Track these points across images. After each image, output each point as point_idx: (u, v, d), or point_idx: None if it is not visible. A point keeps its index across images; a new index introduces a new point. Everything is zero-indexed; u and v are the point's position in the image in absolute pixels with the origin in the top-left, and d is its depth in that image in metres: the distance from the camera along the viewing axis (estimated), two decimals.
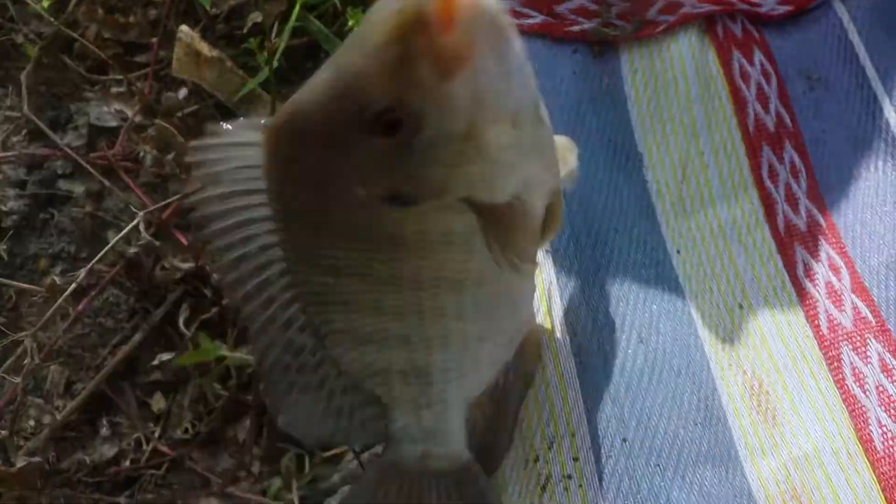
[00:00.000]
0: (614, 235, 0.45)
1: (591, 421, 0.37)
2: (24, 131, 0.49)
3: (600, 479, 0.36)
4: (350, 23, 0.48)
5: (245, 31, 0.50)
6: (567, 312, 0.41)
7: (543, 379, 0.39)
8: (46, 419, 0.46)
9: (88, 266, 0.41)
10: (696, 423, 0.39)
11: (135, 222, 0.42)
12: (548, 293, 0.42)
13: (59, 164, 0.48)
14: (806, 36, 0.51)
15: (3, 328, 0.45)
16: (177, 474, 0.46)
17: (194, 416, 0.47)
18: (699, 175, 0.47)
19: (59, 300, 0.41)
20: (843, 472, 0.38)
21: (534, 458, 0.37)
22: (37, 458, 0.43)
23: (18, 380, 0.43)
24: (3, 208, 0.46)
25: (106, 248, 0.42)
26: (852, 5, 0.51)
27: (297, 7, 0.48)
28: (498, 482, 0.38)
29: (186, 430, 0.47)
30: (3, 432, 0.44)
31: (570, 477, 0.36)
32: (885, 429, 0.38)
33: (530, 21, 0.47)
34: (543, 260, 0.43)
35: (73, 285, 0.41)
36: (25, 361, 0.43)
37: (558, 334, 0.41)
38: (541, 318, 0.41)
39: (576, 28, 0.47)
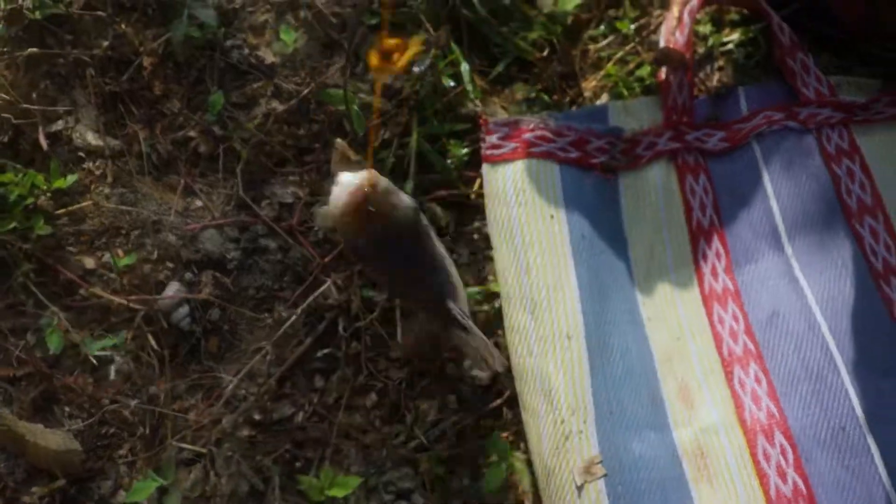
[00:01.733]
0: (609, 288, 0.73)
1: (595, 401, 0.65)
2: (235, 204, 0.76)
3: (596, 434, 0.65)
4: (454, 151, 0.76)
5: (378, 144, 0.78)
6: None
7: (570, 375, 0.68)
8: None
9: (305, 304, 0.69)
10: (648, 405, 0.67)
11: (325, 286, 0.70)
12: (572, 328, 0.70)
13: (259, 228, 0.75)
14: (734, 165, 0.79)
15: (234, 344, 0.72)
16: None
17: None
18: (661, 255, 0.76)
19: (286, 325, 0.69)
20: (727, 437, 0.66)
21: (560, 420, 0.65)
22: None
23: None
24: (228, 256, 0.73)
25: (310, 299, 0.70)
26: (764, 147, 0.80)
27: (415, 134, 0.75)
28: (533, 436, 0.67)
29: None
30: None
31: (581, 432, 0.64)
32: (752, 412, 0.67)
33: (570, 155, 0.75)
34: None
35: (293, 317, 0.69)
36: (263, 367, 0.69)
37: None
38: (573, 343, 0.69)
39: (595, 160, 0.75)
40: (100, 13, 0.70)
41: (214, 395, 0.69)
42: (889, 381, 0.69)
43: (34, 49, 0.68)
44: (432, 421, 0.73)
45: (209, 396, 0.69)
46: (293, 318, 0.71)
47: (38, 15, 0.68)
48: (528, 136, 0.74)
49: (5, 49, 0.68)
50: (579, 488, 0.64)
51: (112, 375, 0.67)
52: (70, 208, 0.69)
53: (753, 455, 0.67)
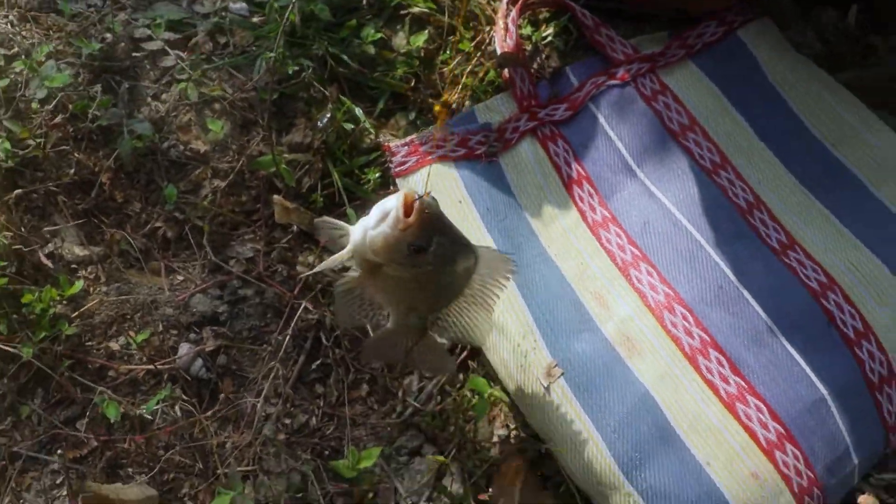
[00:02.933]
0: (519, 242, 0.92)
1: (536, 323, 0.84)
2: (209, 269, 0.91)
3: (546, 347, 0.83)
4: (369, 177, 0.94)
5: (305, 189, 0.95)
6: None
7: (511, 311, 0.86)
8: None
9: (290, 329, 0.85)
10: (575, 314, 0.86)
11: (300, 310, 0.86)
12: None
13: (235, 282, 0.91)
14: (581, 125, 1.01)
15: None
16: None
17: None
18: (548, 207, 0.96)
19: (281, 350, 0.85)
20: (640, 321, 0.87)
21: (516, 346, 0.83)
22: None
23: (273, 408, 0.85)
24: (218, 311, 0.89)
25: (292, 324, 0.86)
26: (598, 105, 1.01)
27: (334, 174, 0.93)
28: (500, 367, 0.85)
29: None
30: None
31: (534, 349, 0.83)
32: (653, 297, 0.87)
33: (459, 153, 0.94)
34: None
35: (285, 340, 0.85)
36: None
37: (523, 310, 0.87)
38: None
39: (478, 152, 0.95)
40: (63, 147, 0.85)
41: (245, 422, 0.84)
42: (740, 242, 0.91)
43: (18, 190, 0.83)
44: (417, 389, 0.90)
45: (238, 424, 0.84)
46: (285, 341, 0.87)
47: (10, 163, 0.82)
48: (423, 148, 0.94)
49: None
50: (546, 389, 0.83)
51: (157, 427, 0.82)
52: (82, 309, 0.83)
53: (664, 327, 0.87)
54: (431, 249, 0.64)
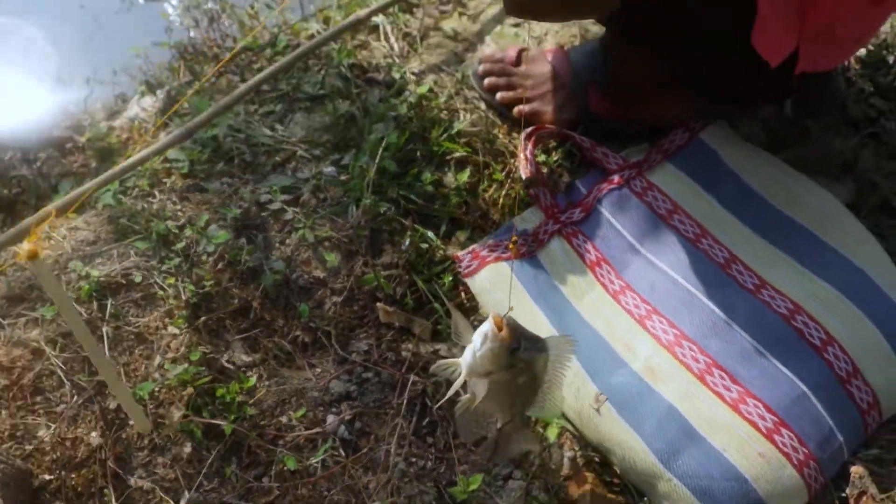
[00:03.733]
0: (563, 313, 1.24)
1: (583, 367, 1.13)
2: (338, 361, 1.23)
3: (592, 381, 1.14)
4: (444, 281, 1.27)
5: (398, 296, 1.28)
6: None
7: None
8: None
9: (405, 398, 1.17)
10: (609, 358, 1.16)
11: (409, 384, 1.18)
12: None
13: (359, 368, 1.23)
14: (592, 222, 1.34)
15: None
16: None
17: None
18: (580, 285, 1.28)
19: (399, 416, 1.16)
20: (658, 356, 1.17)
21: (571, 384, 1.14)
22: None
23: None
24: (350, 390, 1.20)
25: (405, 395, 1.18)
26: (604, 205, 1.35)
27: (419, 282, 1.27)
28: None
29: None
30: None
31: (583, 384, 1.13)
32: (666, 338, 1.18)
33: (507, 253, 1.27)
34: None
35: (402, 405, 1.17)
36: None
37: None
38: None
39: (522, 251, 1.28)
40: (227, 285, 1.19)
41: (381, 467, 1.14)
42: (724, 289, 1.22)
43: (203, 318, 1.17)
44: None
45: (376, 470, 1.14)
46: (402, 406, 1.18)
47: (194, 299, 1.17)
48: (482, 253, 1.28)
49: (185, 327, 1.16)
50: (597, 411, 1.13)
51: (320, 476, 1.12)
52: (255, 397, 1.16)
53: (677, 358, 1.18)
54: (522, 348, 0.85)
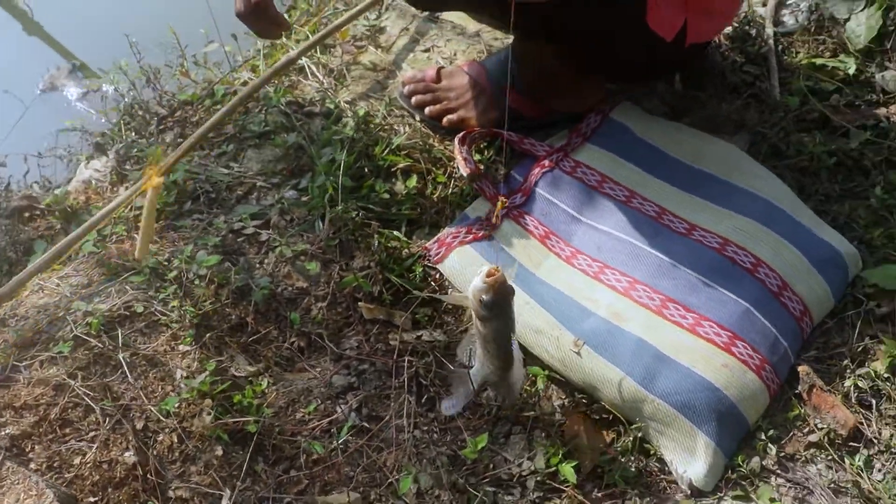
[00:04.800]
0: (526, 281, 1.38)
1: (556, 319, 1.27)
2: (333, 360, 1.32)
3: (568, 331, 1.28)
4: (415, 273, 1.39)
5: (376, 293, 1.39)
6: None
7: (539, 316, 1.30)
8: None
9: (405, 381, 1.28)
10: (577, 309, 1.31)
11: (403, 375, 1.29)
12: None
13: (355, 362, 1.32)
14: (535, 203, 1.49)
15: None
16: None
17: None
18: (535, 256, 1.42)
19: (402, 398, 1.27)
20: (618, 301, 1.32)
21: (551, 336, 1.28)
22: None
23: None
24: (351, 381, 1.29)
25: (403, 376, 1.28)
26: (541, 187, 1.51)
27: (392, 278, 1.38)
28: (544, 353, 1.29)
29: None
30: None
31: (560, 335, 1.27)
32: (620, 284, 1.34)
33: (468, 237, 1.40)
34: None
35: (402, 392, 1.27)
36: None
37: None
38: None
39: (480, 234, 1.41)
40: (220, 304, 1.28)
41: (394, 444, 1.24)
42: (661, 236, 1.39)
43: (207, 335, 1.25)
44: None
45: (391, 447, 1.24)
46: (405, 385, 1.29)
47: (196, 320, 1.25)
48: (447, 241, 1.41)
49: (193, 345, 1.24)
50: (578, 354, 1.27)
51: (340, 459, 1.21)
52: (268, 400, 1.24)
53: (634, 300, 1.34)
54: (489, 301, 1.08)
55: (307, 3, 1.89)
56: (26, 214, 1.51)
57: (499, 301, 1.10)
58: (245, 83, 1.66)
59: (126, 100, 1.66)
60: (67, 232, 1.42)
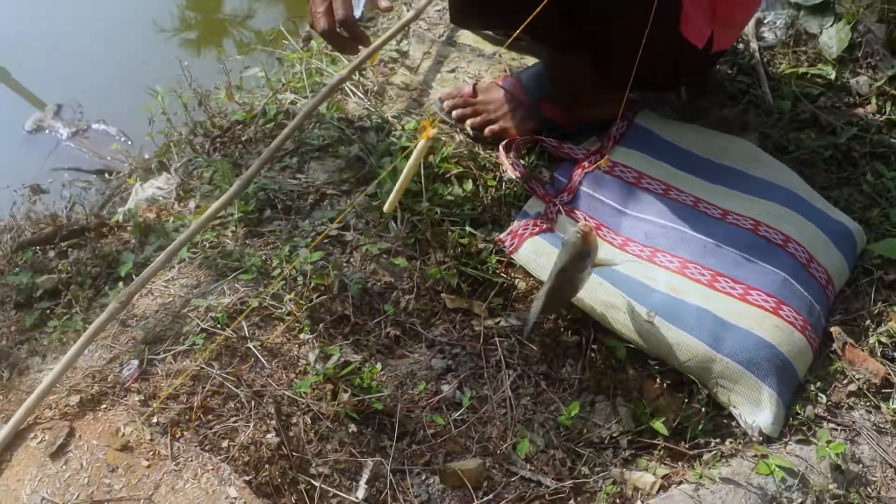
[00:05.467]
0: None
1: (627, 296, 1.44)
2: (428, 345, 1.43)
3: (640, 304, 1.44)
4: (488, 264, 1.52)
5: (455, 285, 1.51)
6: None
7: (613, 294, 1.45)
8: None
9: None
10: (641, 288, 1.45)
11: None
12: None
13: (446, 347, 1.43)
14: (581, 199, 1.65)
15: None
16: None
17: None
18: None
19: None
20: (673, 278, 1.48)
21: (625, 309, 1.42)
22: None
23: None
24: (449, 363, 1.40)
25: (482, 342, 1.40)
26: (586, 185, 1.66)
27: (468, 269, 1.51)
28: (619, 325, 1.43)
29: None
30: None
31: (633, 308, 1.43)
32: (673, 264, 1.50)
33: (535, 230, 1.54)
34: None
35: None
36: None
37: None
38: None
39: (544, 227, 1.56)
40: (322, 298, 1.37)
41: (499, 415, 1.35)
42: (699, 221, 1.57)
43: (321, 325, 1.33)
44: (579, 367, 1.45)
45: (495, 420, 1.35)
46: (500, 365, 1.40)
47: (306, 312, 1.33)
48: (519, 231, 1.54)
49: (311, 335, 1.32)
50: (651, 323, 1.42)
51: (454, 431, 1.31)
52: (381, 381, 1.33)
53: (687, 276, 1.50)
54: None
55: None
56: (90, 234, 1.56)
57: (587, 250, 1.26)
58: (293, 102, 1.76)
59: (169, 122, 1.74)
60: (145, 245, 1.48)
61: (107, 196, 1.78)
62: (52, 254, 1.52)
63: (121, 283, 1.37)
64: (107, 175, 2.03)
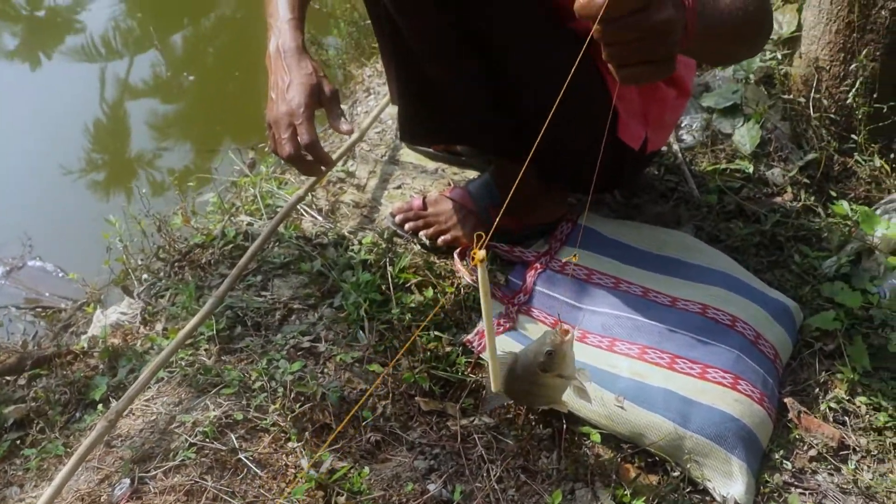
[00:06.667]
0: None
1: (597, 383, 1.50)
2: (408, 448, 1.45)
3: (607, 391, 1.50)
4: (458, 364, 1.57)
5: (427, 388, 1.54)
6: None
7: None
8: None
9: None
10: (608, 376, 1.53)
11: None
12: None
13: (425, 448, 1.44)
14: (538, 298, 1.72)
15: None
16: None
17: None
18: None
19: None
20: (638, 364, 1.56)
21: (595, 397, 1.48)
22: None
23: None
24: (431, 463, 1.42)
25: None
26: (539, 284, 1.75)
27: (439, 371, 1.55)
28: (590, 415, 1.48)
29: None
30: None
31: (602, 394, 1.48)
32: (631, 350, 1.58)
33: (499, 330, 1.60)
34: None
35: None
36: None
37: None
38: None
39: (508, 325, 1.62)
40: (300, 411, 1.38)
41: None
42: (651, 310, 1.66)
43: (306, 434, 1.34)
44: (555, 458, 1.49)
45: None
46: (481, 461, 1.43)
47: (292, 421, 1.34)
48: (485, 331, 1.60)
49: (299, 443, 1.32)
50: (622, 407, 1.47)
51: None
52: (370, 485, 1.34)
53: (647, 361, 1.58)
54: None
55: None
56: (57, 360, 1.55)
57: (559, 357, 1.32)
58: (250, 224, 1.81)
59: (126, 248, 1.77)
60: (116, 369, 1.48)
61: (59, 328, 1.77)
62: (18, 383, 1.50)
63: (100, 406, 1.36)
64: (49, 310, 2.02)
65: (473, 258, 1.14)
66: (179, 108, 3.41)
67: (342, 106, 1.59)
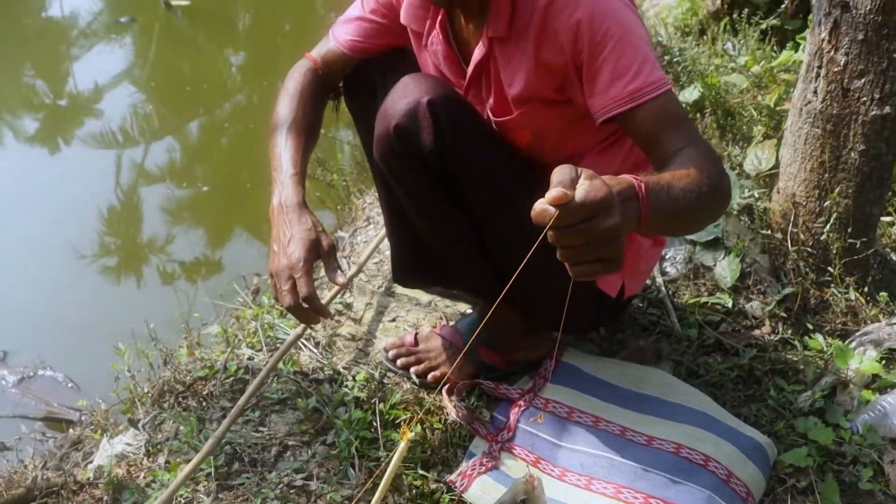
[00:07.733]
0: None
1: None
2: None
3: None
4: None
5: None
6: None
7: None
8: None
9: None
10: None
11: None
12: None
13: None
14: (523, 436, 1.81)
15: None
16: None
17: None
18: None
19: None
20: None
21: None
22: None
23: None
24: None
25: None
26: (522, 421, 1.84)
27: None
28: None
29: None
30: None
31: None
32: (608, 490, 1.66)
33: (482, 470, 1.69)
34: None
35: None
36: None
37: None
38: None
39: (490, 465, 1.70)
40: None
41: None
42: (628, 449, 1.74)
43: None
44: None
45: None
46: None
47: None
48: (467, 472, 1.68)
49: None
50: None
51: None
52: None
53: (623, 500, 1.65)
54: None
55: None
56: (63, 491, 1.65)
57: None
58: (251, 358, 1.93)
59: (133, 378, 1.88)
60: (120, 503, 1.58)
61: (65, 451, 1.87)
62: None
63: None
64: (56, 423, 2.14)
65: (403, 434, 1.20)
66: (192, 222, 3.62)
67: (338, 255, 1.72)
